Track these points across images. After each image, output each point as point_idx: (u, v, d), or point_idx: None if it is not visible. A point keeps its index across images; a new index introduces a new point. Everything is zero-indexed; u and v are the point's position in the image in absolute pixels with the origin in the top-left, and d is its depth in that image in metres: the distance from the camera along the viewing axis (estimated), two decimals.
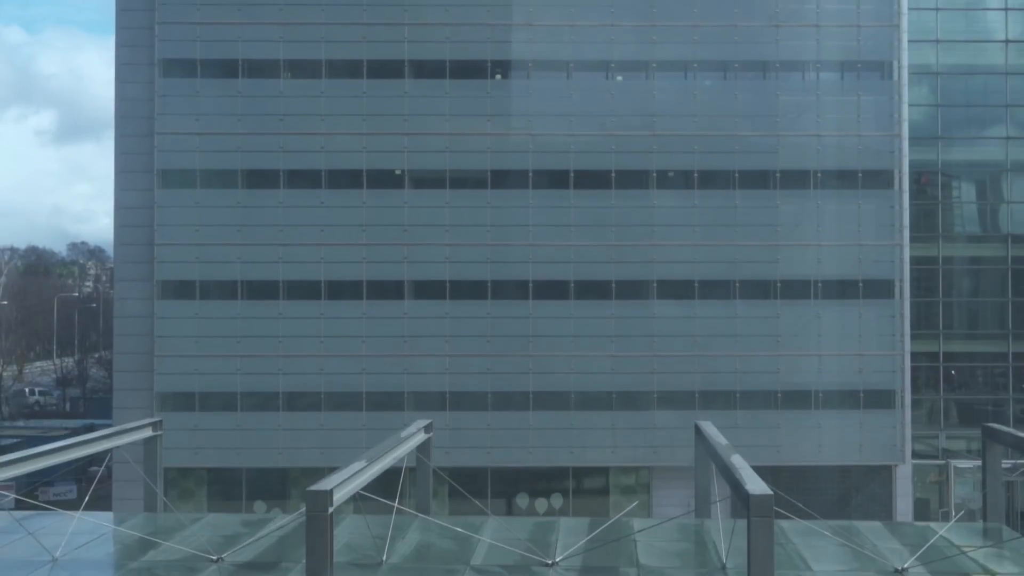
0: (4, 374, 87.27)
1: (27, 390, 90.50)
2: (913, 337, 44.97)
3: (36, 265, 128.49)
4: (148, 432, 21.26)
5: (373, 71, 43.94)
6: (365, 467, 15.82)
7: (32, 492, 42.30)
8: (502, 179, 43.87)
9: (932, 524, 20.94)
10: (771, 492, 13.32)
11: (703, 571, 16.76)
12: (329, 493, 13.76)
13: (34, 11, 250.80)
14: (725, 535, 17.31)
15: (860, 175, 44.24)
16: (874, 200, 44.29)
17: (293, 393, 43.24)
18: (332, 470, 15.45)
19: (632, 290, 43.77)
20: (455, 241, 43.45)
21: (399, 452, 18.41)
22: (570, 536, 18.18)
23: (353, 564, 16.63)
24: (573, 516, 41.71)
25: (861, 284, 44.01)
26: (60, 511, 20.19)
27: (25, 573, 16.28)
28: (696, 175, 44.02)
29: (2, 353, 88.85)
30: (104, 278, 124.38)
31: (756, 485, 13.74)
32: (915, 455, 45.22)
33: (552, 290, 43.55)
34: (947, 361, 48.97)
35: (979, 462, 22.98)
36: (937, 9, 48.74)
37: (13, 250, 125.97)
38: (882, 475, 44.38)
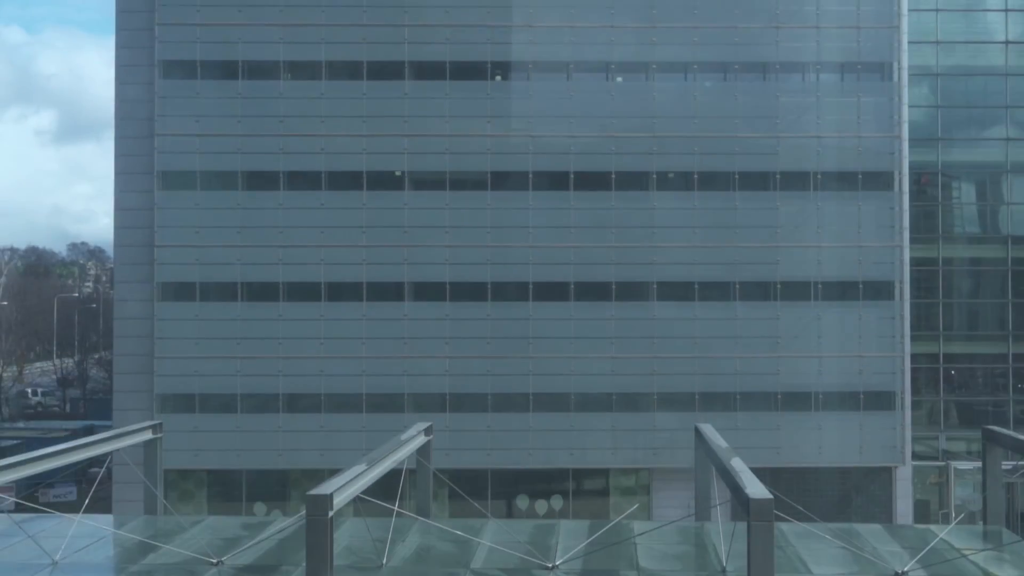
0: (4, 375, 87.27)
1: (29, 391, 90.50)
2: (913, 338, 44.97)
3: (36, 265, 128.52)
4: (148, 435, 21.26)
5: (373, 72, 43.95)
6: (365, 470, 15.83)
7: (32, 494, 42.33)
8: (502, 180, 43.87)
9: (932, 527, 20.93)
10: (771, 496, 13.32)
11: (703, 574, 16.76)
12: (329, 497, 13.76)
13: (34, 11, 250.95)
14: (725, 538, 17.30)
15: (860, 176, 44.24)
16: (874, 201, 44.30)
17: (293, 395, 43.25)
18: (332, 472, 15.45)
19: (632, 291, 43.78)
20: (455, 243, 43.45)
21: (399, 455, 18.41)
22: (570, 539, 18.17)
23: (353, 567, 16.62)
24: (573, 518, 41.71)
25: (861, 285, 44.01)
26: (60, 514, 20.17)
27: None
28: (696, 176, 44.02)
29: (2, 354, 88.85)
30: (104, 278, 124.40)
31: (756, 489, 13.74)
32: (915, 456, 45.22)
33: (552, 292, 43.56)
34: (947, 362, 48.96)
35: (979, 463, 22.97)
36: (937, 10, 48.74)
37: (13, 250, 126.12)
38: (882, 477, 44.38)
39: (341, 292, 43.50)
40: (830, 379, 43.74)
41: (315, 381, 43.14)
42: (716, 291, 43.88)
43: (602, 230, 43.65)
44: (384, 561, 16.78)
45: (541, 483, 44.58)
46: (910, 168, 45.04)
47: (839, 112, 44.41)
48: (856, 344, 43.79)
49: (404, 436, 19.48)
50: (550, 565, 16.48)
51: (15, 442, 54.02)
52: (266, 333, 43.15)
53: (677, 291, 43.75)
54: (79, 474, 52.95)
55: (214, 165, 43.69)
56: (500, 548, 17.22)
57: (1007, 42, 48.95)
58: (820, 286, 43.95)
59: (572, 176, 43.84)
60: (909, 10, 45.07)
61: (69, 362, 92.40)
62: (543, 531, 19.18)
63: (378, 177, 43.82)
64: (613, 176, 43.89)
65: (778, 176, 44.13)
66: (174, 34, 43.70)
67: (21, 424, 71.13)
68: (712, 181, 44.05)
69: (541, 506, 44.50)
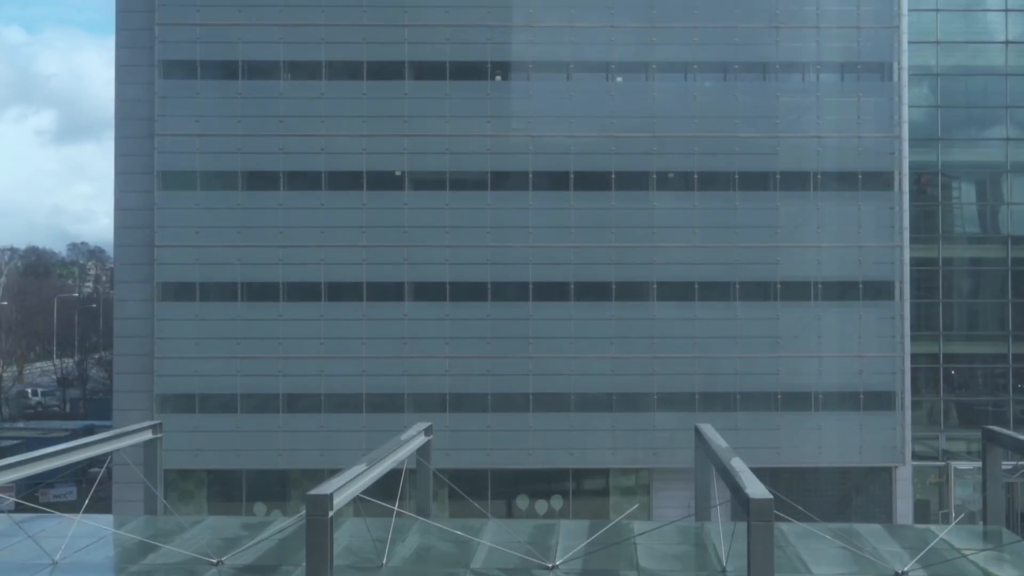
0: (4, 375, 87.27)
1: (29, 391, 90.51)
2: (913, 338, 44.97)
3: (36, 265, 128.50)
4: (148, 435, 21.26)
5: (373, 72, 43.95)
6: (365, 470, 15.83)
7: (32, 494, 42.33)
8: (502, 180, 43.87)
9: (932, 527, 20.94)
10: (771, 496, 13.32)
11: (703, 574, 16.76)
12: (329, 497, 13.77)
13: (34, 11, 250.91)
14: (725, 538, 17.30)
15: (860, 176, 44.24)
16: (874, 201, 44.30)
17: (293, 395, 43.25)
18: (332, 472, 15.45)
19: (632, 291, 43.77)
20: (455, 243, 43.45)
21: (399, 455, 18.42)
22: (570, 539, 18.17)
23: (353, 567, 16.62)
24: (573, 518, 41.72)
25: (861, 285, 44.01)
26: (60, 514, 20.17)
27: None
28: (696, 176, 44.02)
29: (2, 354, 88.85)
30: (104, 278, 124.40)
31: (756, 489, 13.74)
32: (915, 456, 45.22)
33: (552, 292, 43.55)
34: (947, 362, 48.96)
35: (979, 463, 22.97)
36: (937, 10, 48.74)
37: (13, 250, 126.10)
38: (882, 477, 44.39)
39: (341, 292, 43.50)
40: (830, 379, 43.74)
41: (315, 381, 43.14)
42: (716, 291, 43.89)
43: (602, 230, 43.65)
44: (384, 561, 16.78)
45: (541, 483, 44.58)
46: (910, 168, 45.04)
47: (839, 112, 44.41)
48: (856, 344, 43.79)
49: (404, 436, 19.48)
50: (550, 565, 16.48)
51: (15, 442, 54.01)
52: (266, 333, 43.15)
53: (677, 291, 43.75)
54: (79, 474, 52.95)
55: (214, 165, 43.70)
56: (500, 548, 17.22)
57: (1007, 42, 48.94)
58: (820, 286, 43.94)
59: (572, 176, 43.84)
60: (909, 10, 45.06)
61: (69, 362, 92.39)
62: (543, 531, 19.18)
63: (378, 177, 43.82)
64: (613, 176, 43.89)
65: (778, 176, 44.13)
66: (174, 34, 43.70)
67: (21, 424, 71.14)
68: (712, 181, 44.05)
69: (541, 506, 44.50)
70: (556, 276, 43.53)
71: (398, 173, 43.95)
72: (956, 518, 40.85)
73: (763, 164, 44.08)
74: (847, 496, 44.55)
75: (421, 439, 20.46)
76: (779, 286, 43.90)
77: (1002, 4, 49.16)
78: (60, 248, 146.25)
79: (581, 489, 44.89)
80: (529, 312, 43.46)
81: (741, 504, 13.76)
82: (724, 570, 16.45)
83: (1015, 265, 48.75)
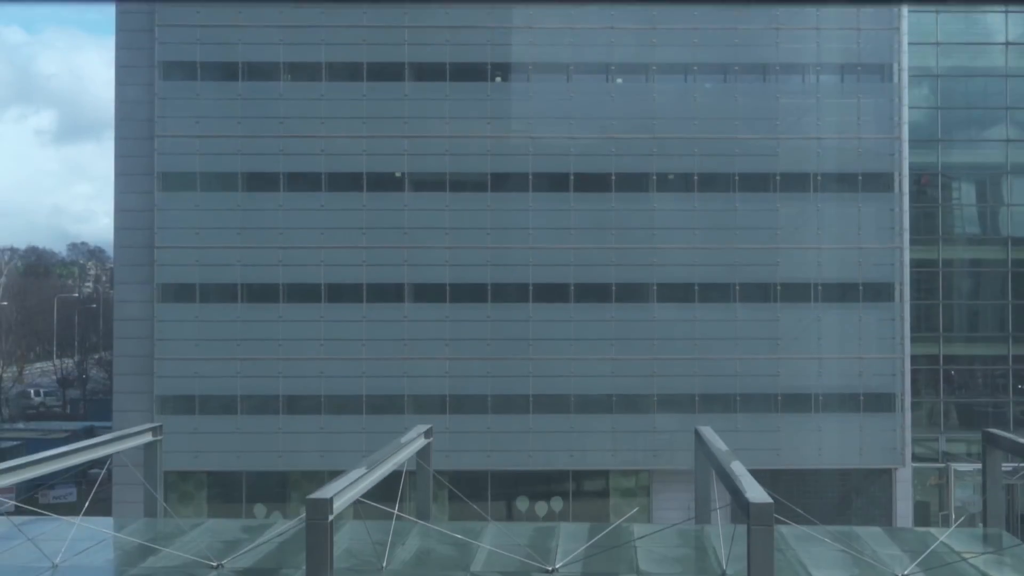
0: (4, 375, 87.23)
1: (32, 391, 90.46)
2: (913, 340, 44.96)
3: (36, 265, 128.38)
4: (148, 437, 21.28)
5: (373, 74, 43.93)
6: (365, 474, 15.84)
7: (32, 496, 42.33)
8: (502, 182, 43.86)
9: (932, 530, 20.95)
10: (771, 500, 13.33)
11: None
12: (329, 501, 13.78)
13: (34, 11, 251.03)
14: (725, 541, 17.30)
15: (860, 178, 44.23)
16: (874, 203, 44.29)
17: (293, 396, 43.22)
18: (332, 473, 15.46)
19: (632, 293, 43.76)
20: (455, 244, 43.44)
21: (399, 458, 18.43)
22: (570, 542, 18.18)
23: (353, 571, 16.63)
24: (573, 519, 41.73)
25: (861, 287, 43.99)
26: (60, 517, 20.18)
27: None
28: (696, 178, 44.00)
29: (2, 354, 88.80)
30: (104, 278, 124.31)
31: (756, 493, 13.75)
32: (915, 458, 45.19)
33: (552, 293, 43.54)
34: (947, 364, 48.94)
35: (979, 465, 22.98)
36: (937, 11, 48.69)
37: (13, 250, 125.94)
38: (882, 478, 44.37)
39: (341, 293, 43.49)
40: (830, 381, 43.72)
41: (315, 383, 43.13)
42: (716, 293, 43.87)
43: (602, 231, 43.64)
44: (384, 564, 16.78)
45: (541, 485, 44.57)
46: (910, 169, 45.01)
47: (839, 113, 44.41)
48: (856, 346, 43.78)
49: (404, 439, 19.49)
50: (550, 568, 16.48)
51: (15, 443, 53.98)
52: (266, 334, 43.14)
53: (677, 293, 43.75)
54: (79, 475, 52.87)
55: (214, 166, 43.70)
56: (500, 551, 17.22)
57: (1007, 43, 48.93)
58: (820, 288, 43.93)
59: (572, 177, 43.82)
60: (909, 11, 45.04)
61: (69, 362, 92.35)
62: (543, 534, 19.19)
63: (378, 178, 43.81)
64: (613, 177, 43.88)
65: (778, 178, 44.12)
66: (174, 35, 43.68)
67: (21, 425, 71.09)
68: (712, 183, 44.04)
69: (541, 508, 44.49)
70: (556, 277, 43.51)
71: (398, 174, 43.94)
72: (956, 520, 40.85)
73: (763, 165, 44.06)
74: (847, 498, 44.53)
75: (421, 441, 20.47)
76: (779, 288, 43.88)
77: (1002, 5, 49.11)
78: (60, 248, 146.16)
79: (581, 491, 44.87)
80: (529, 313, 43.45)
81: (741, 508, 13.77)
82: (724, 574, 16.45)
83: (1015, 266, 48.71)
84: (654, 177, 44.03)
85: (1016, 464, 37.87)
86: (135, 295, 43.79)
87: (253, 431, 42.89)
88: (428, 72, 44.18)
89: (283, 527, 19.28)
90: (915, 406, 45.52)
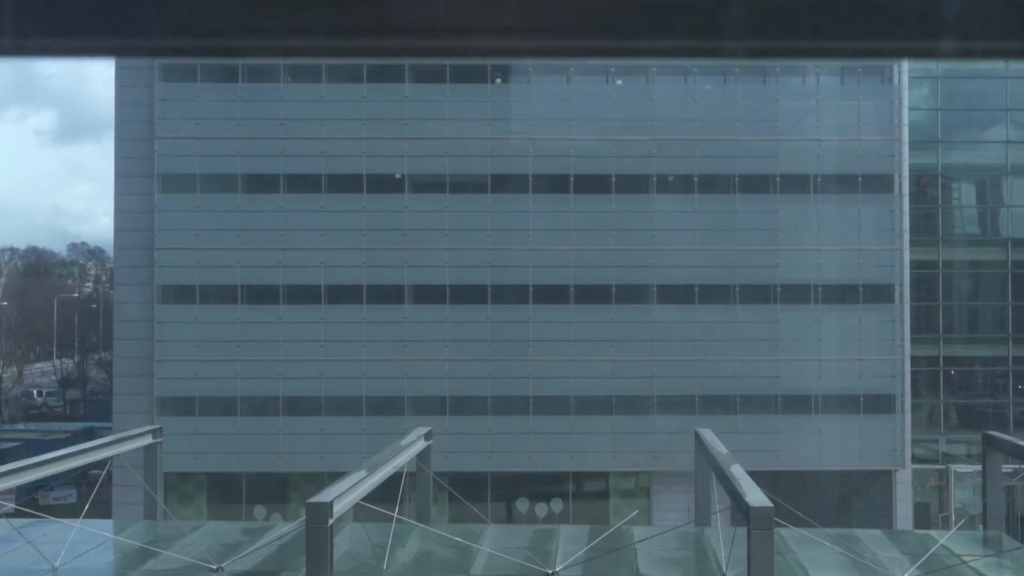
0: (4, 376, 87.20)
1: (34, 391, 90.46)
2: (913, 341, 44.94)
3: (36, 265, 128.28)
4: (148, 439, 21.29)
5: (373, 75, 43.93)
6: (365, 477, 15.84)
7: (33, 497, 42.34)
8: (502, 183, 43.85)
9: (932, 532, 20.96)
10: (771, 504, 13.34)
11: None
12: (329, 505, 13.78)
13: None
14: (725, 544, 17.29)
15: (860, 179, 44.22)
16: (874, 204, 44.28)
17: (293, 397, 43.21)
18: (332, 475, 15.47)
19: (632, 294, 43.75)
20: (455, 245, 43.43)
21: (399, 460, 18.43)
22: (570, 544, 18.18)
23: (353, 573, 16.63)
24: (573, 521, 41.71)
25: (861, 288, 43.98)
26: (60, 519, 20.18)
27: None
28: (696, 179, 43.99)
29: (2, 355, 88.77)
30: (104, 279, 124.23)
31: (756, 496, 13.75)
32: (915, 459, 45.17)
33: (552, 294, 43.53)
34: (947, 365, 48.91)
35: (979, 466, 22.99)
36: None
37: (13, 250, 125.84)
38: (882, 480, 44.36)
39: (341, 295, 43.48)
40: (830, 382, 43.71)
41: (315, 384, 43.12)
42: (716, 294, 43.86)
43: (602, 233, 43.62)
44: (384, 567, 16.78)
45: (541, 486, 44.56)
46: (910, 170, 45.00)
47: (839, 115, 44.40)
48: (856, 347, 43.76)
49: (404, 441, 19.49)
50: (550, 571, 16.48)
51: (15, 444, 53.97)
52: (266, 336, 43.13)
53: (677, 294, 43.74)
54: (79, 476, 52.82)
55: (214, 168, 43.69)
56: (500, 554, 17.22)
57: None
58: (820, 289, 43.91)
59: (572, 179, 43.81)
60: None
61: (69, 363, 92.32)
62: (543, 536, 19.19)
63: (378, 180, 43.80)
64: (613, 179, 43.86)
65: (778, 179, 44.11)
66: None
67: (21, 426, 71.09)
68: (712, 184, 44.03)
69: (541, 509, 44.47)
70: (556, 279, 43.50)
71: (398, 176, 43.93)
72: (956, 521, 40.83)
73: (763, 167, 44.06)
74: (847, 499, 44.51)
75: (421, 444, 20.47)
76: (779, 289, 43.88)
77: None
78: (60, 248, 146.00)
79: (581, 492, 44.87)
80: (529, 315, 43.44)
81: (741, 512, 13.77)
82: None
83: (1015, 268, 48.68)
84: (654, 178, 44.02)
85: (1016, 466, 37.87)
86: (135, 296, 43.79)
87: (253, 432, 42.87)
88: (428, 73, 44.17)
89: (283, 530, 19.28)
90: (915, 407, 45.51)
